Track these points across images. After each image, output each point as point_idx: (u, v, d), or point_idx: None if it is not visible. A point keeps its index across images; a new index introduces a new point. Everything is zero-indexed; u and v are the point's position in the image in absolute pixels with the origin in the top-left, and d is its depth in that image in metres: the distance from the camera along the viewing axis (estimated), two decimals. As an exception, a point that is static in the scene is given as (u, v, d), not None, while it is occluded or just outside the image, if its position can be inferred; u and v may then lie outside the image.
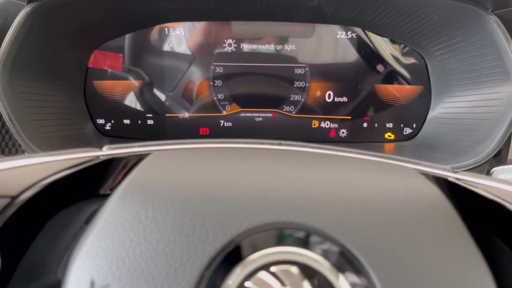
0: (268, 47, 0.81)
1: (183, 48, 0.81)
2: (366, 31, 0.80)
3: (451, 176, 0.36)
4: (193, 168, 0.30)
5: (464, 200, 0.34)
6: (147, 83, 0.82)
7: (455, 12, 0.64)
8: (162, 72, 0.81)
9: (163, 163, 0.31)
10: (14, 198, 0.28)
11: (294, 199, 0.26)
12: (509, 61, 0.60)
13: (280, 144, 0.38)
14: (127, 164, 0.35)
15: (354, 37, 0.80)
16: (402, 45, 0.80)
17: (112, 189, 0.35)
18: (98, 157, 0.35)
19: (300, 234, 0.25)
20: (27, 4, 0.59)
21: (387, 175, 0.32)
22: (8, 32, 0.58)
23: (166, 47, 0.80)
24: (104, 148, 0.36)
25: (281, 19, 0.78)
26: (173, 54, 0.81)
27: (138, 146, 0.37)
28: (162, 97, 0.83)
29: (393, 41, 0.80)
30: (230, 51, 0.81)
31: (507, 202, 0.31)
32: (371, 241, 0.25)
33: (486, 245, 0.32)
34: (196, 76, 0.82)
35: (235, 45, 0.81)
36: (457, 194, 0.34)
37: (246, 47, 0.81)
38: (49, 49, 0.66)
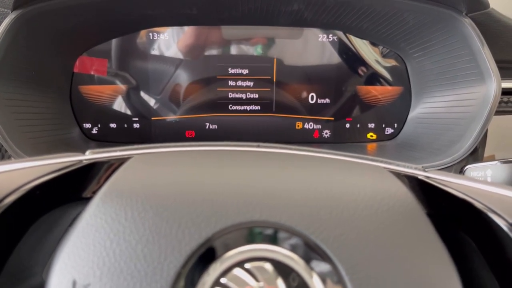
0: (251, 50, 0.82)
1: (169, 51, 0.82)
2: (347, 34, 0.81)
3: (421, 174, 0.37)
4: (171, 171, 0.32)
5: (434, 198, 0.35)
6: (133, 87, 0.82)
7: (431, 15, 0.66)
8: (148, 76, 0.82)
9: (142, 167, 0.32)
10: (-2, 202, 0.28)
11: (266, 199, 0.28)
12: (483, 63, 0.62)
13: (258, 146, 0.40)
14: (109, 168, 0.36)
15: (336, 40, 0.82)
16: (382, 47, 0.82)
17: (95, 192, 0.36)
18: (81, 161, 0.36)
19: (272, 232, 0.26)
20: (12, 12, 0.60)
21: (356, 174, 0.33)
22: (-7, 39, 0.59)
23: (152, 51, 0.81)
24: (87, 152, 0.38)
25: (263, 23, 0.79)
26: (159, 58, 0.82)
27: (120, 150, 0.38)
28: (148, 100, 0.84)
29: (373, 44, 0.82)
30: (216, 54, 0.82)
31: (474, 200, 0.33)
32: (339, 237, 0.26)
33: (455, 241, 0.33)
34: (182, 79, 0.83)
35: (221, 48, 0.82)
36: (428, 192, 0.36)
37: (231, 50, 0.82)
38: (34, 55, 0.67)
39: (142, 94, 0.83)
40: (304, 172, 0.33)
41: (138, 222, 0.26)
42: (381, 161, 0.38)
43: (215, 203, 0.27)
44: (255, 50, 0.82)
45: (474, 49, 0.63)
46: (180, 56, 0.82)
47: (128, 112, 0.83)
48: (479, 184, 0.36)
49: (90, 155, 0.37)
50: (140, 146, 0.38)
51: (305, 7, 0.70)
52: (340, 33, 0.81)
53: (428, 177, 0.37)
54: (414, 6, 0.65)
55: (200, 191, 0.28)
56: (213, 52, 0.82)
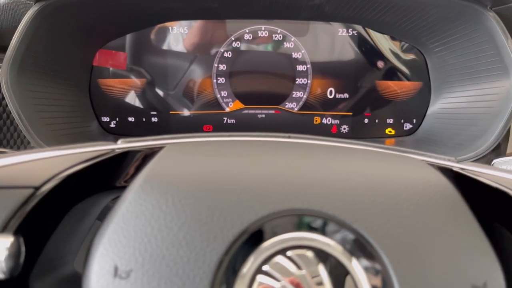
0: (269, 46, 0.82)
1: (185, 46, 0.82)
2: (367, 29, 0.80)
3: (456, 166, 0.37)
4: (209, 159, 0.31)
5: (468, 189, 0.35)
6: (150, 81, 0.83)
7: (454, 9, 0.65)
8: (165, 70, 0.82)
9: (179, 155, 0.32)
10: (37, 188, 0.29)
11: (308, 187, 0.27)
12: (508, 57, 0.61)
13: (289, 137, 0.39)
14: (142, 157, 0.36)
15: (355, 34, 0.81)
16: (402, 42, 0.81)
17: (127, 181, 0.35)
18: (114, 150, 0.36)
19: (315, 221, 0.26)
20: (35, 4, 0.60)
21: (396, 165, 0.33)
22: (16, 31, 0.59)
23: (168, 46, 0.81)
24: (119, 141, 0.37)
25: (283, 18, 0.79)
26: (175, 53, 0.82)
27: (152, 140, 0.38)
28: (165, 95, 0.84)
29: (393, 38, 0.82)
30: (232, 49, 0.82)
31: (510, 190, 0.32)
32: (383, 227, 0.26)
33: (490, 231, 0.33)
34: (198, 74, 0.83)
35: (237, 44, 0.82)
36: (461, 183, 0.36)
37: (248, 45, 0.82)
38: (55, 48, 0.67)
39: (158, 88, 0.83)
40: (341, 162, 0.33)
41: (179, 208, 0.26)
42: (416, 153, 0.38)
43: (257, 190, 0.27)
44: (268, 46, 0.81)
45: (498, 43, 0.62)
46: (193, 52, 0.82)
47: (146, 106, 0.84)
48: (513, 176, 0.35)
49: (122, 144, 0.37)
50: (172, 136, 0.38)
51: (327, 1, 0.70)
52: (360, 28, 0.81)
53: (462, 169, 0.37)
54: (438, 0, 0.65)
55: (241, 178, 0.28)
56: (227, 48, 0.82)
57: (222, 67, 0.82)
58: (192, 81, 0.83)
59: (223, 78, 0.83)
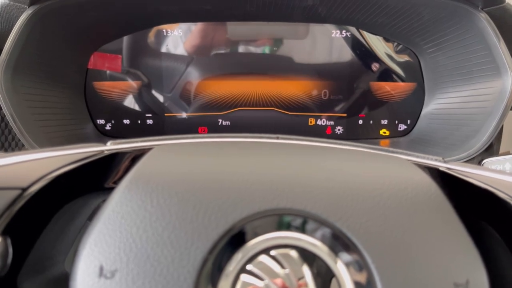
0: (264, 48, 0.82)
1: (180, 49, 0.82)
2: (360, 30, 0.81)
3: (442, 166, 0.37)
4: (195, 160, 0.32)
5: (455, 189, 0.35)
6: (146, 84, 0.83)
7: (446, 10, 0.66)
8: (161, 73, 0.83)
9: (165, 156, 0.33)
10: (24, 190, 0.29)
11: (292, 186, 0.28)
12: (499, 57, 0.62)
13: (277, 138, 0.40)
14: (131, 158, 0.37)
15: (349, 36, 0.82)
16: (396, 43, 0.82)
17: (116, 182, 0.36)
18: (102, 151, 0.36)
19: (298, 220, 0.26)
20: (29, 7, 0.61)
21: (380, 165, 0.33)
22: (11, 34, 0.59)
23: (164, 48, 0.82)
24: (108, 143, 0.38)
25: (277, 19, 0.79)
26: (171, 55, 0.82)
27: (141, 141, 0.38)
28: (161, 97, 0.84)
29: (386, 39, 0.82)
30: (227, 51, 0.82)
31: (496, 190, 0.33)
32: (365, 226, 0.26)
33: (477, 231, 0.33)
34: (194, 76, 0.83)
35: (232, 46, 0.82)
36: (448, 183, 0.36)
37: (242, 48, 0.82)
38: (50, 51, 0.67)
39: (154, 91, 0.84)
40: (326, 162, 0.33)
41: (164, 208, 0.26)
42: (402, 153, 0.38)
43: (241, 189, 0.27)
44: (266, 48, 0.82)
45: (490, 43, 0.63)
46: (190, 54, 0.82)
47: (142, 109, 0.84)
48: (500, 175, 0.35)
49: (111, 146, 0.37)
50: (161, 137, 0.38)
51: (320, 2, 0.70)
52: (353, 29, 0.81)
53: (449, 168, 0.37)
54: (430, 1, 0.65)
55: (226, 178, 0.28)
56: (223, 50, 0.82)
57: (217, 70, 0.83)
58: (189, 83, 0.83)
59: (217, 81, 0.83)
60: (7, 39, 0.60)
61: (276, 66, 0.83)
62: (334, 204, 0.27)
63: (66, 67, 0.74)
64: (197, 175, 0.29)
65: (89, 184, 0.36)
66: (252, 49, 0.82)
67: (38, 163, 0.33)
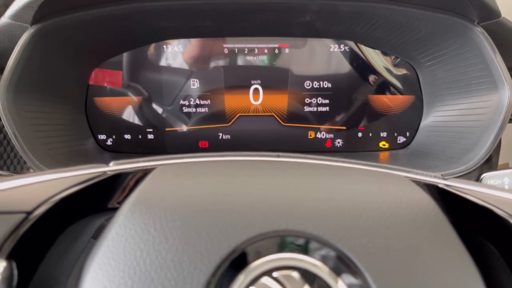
0: (263, 59, 0.83)
1: (180, 62, 0.83)
2: (359, 44, 0.82)
3: (441, 183, 0.38)
4: (197, 181, 0.32)
5: (454, 206, 0.36)
6: (146, 99, 0.84)
7: (442, 24, 0.67)
8: (161, 87, 0.83)
9: (168, 177, 0.33)
10: (29, 213, 0.29)
11: (293, 208, 0.28)
12: (496, 71, 0.62)
13: (278, 156, 0.40)
14: (133, 179, 0.37)
15: (347, 50, 0.82)
16: (394, 57, 0.82)
17: (120, 202, 0.36)
18: (105, 172, 0.36)
19: (300, 241, 0.27)
20: (31, 26, 0.61)
21: (379, 184, 0.34)
22: (13, 53, 0.60)
23: (163, 62, 0.83)
24: (111, 163, 0.38)
25: (275, 35, 0.80)
26: (170, 69, 0.83)
27: (144, 161, 0.38)
28: (161, 111, 0.85)
29: (384, 53, 0.83)
30: (226, 64, 0.83)
31: (495, 207, 0.33)
32: (366, 246, 0.26)
33: (476, 247, 0.33)
34: (193, 89, 0.84)
35: (231, 58, 0.83)
36: (447, 200, 0.36)
37: (241, 59, 0.83)
38: (51, 68, 0.68)
39: (155, 105, 0.84)
40: (327, 181, 0.33)
41: (167, 231, 0.27)
42: (401, 170, 0.39)
43: (243, 212, 0.28)
44: (264, 60, 0.83)
45: (486, 57, 0.63)
46: (189, 67, 0.83)
47: (142, 123, 0.85)
48: (499, 192, 0.36)
49: (114, 166, 0.38)
50: (163, 157, 0.39)
51: (317, 18, 0.71)
52: (352, 43, 0.82)
53: (448, 185, 0.37)
54: (426, 15, 0.66)
55: (227, 200, 0.29)
56: (223, 63, 0.83)
57: (218, 81, 0.83)
58: (188, 96, 0.84)
59: (217, 94, 0.84)
60: (9, 57, 0.60)
61: (275, 77, 0.84)
62: (335, 225, 0.27)
63: (68, 83, 0.74)
64: (199, 197, 0.29)
65: (92, 205, 0.36)
66: (251, 60, 0.83)
67: (42, 186, 0.33)
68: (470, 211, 0.35)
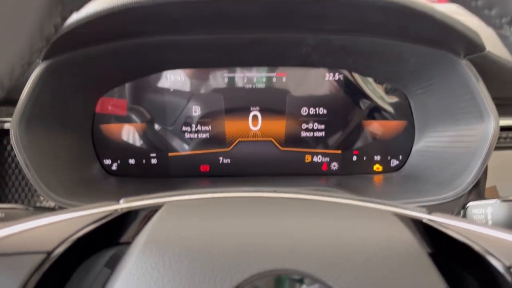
0: (262, 88, 0.86)
1: (181, 90, 0.86)
2: (352, 72, 0.85)
3: (425, 217, 0.41)
4: (200, 221, 0.36)
5: (438, 238, 0.39)
6: (149, 124, 0.87)
7: (430, 57, 0.70)
8: (163, 113, 0.87)
9: (174, 216, 0.36)
10: (49, 253, 0.32)
11: (288, 248, 0.32)
12: (481, 102, 0.66)
13: (275, 191, 0.44)
14: (142, 216, 0.40)
15: (341, 78, 0.86)
16: (386, 84, 0.86)
17: (132, 237, 0.39)
18: (117, 210, 0.40)
19: (294, 278, 0.30)
20: (42, 61, 0.65)
21: (366, 220, 0.37)
22: (25, 87, 0.63)
23: (166, 90, 0.86)
24: (121, 201, 0.41)
25: (274, 65, 0.84)
26: (172, 96, 0.86)
27: (151, 198, 0.42)
28: (164, 137, 0.88)
29: (377, 81, 0.87)
30: (226, 92, 0.86)
31: (473, 243, 0.36)
32: (354, 283, 0.29)
33: (457, 278, 0.37)
34: (195, 116, 0.87)
35: (231, 87, 0.86)
36: (432, 233, 0.40)
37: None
38: (61, 100, 0.71)
39: (158, 131, 0.88)
40: (319, 220, 0.37)
41: (175, 270, 0.30)
42: (388, 205, 0.42)
43: (243, 252, 0.31)
44: (263, 88, 0.86)
45: (472, 89, 0.67)
46: (190, 94, 0.86)
47: (146, 148, 0.88)
48: (479, 227, 0.39)
49: (125, 204, 0.41)
50: (169, 193, 0.42)
51: (313, 50, 0.75)
52: (345, 71, 0.85)
53: (431, 220, 0.41)
54: (415, 49, 0.70)
55: (228, 241, 0.32)
56: (223, 90, 0.86)
57: (219, 108, 0.87)
58: (190, 122, 0.87)
59: (220, 119, 0.87)
60: (21, 92, 0.64)
61: (274, 104, 0.87)
62: (326, 264, 0.31)
63: (76, 113, 0.78)
64: (204, 237, 0.32)
65: (105, 240, 0.39)
66: (250, 88, 0.86)
67: (60, 226, 0.36)
68: (452, 244, 0.38)
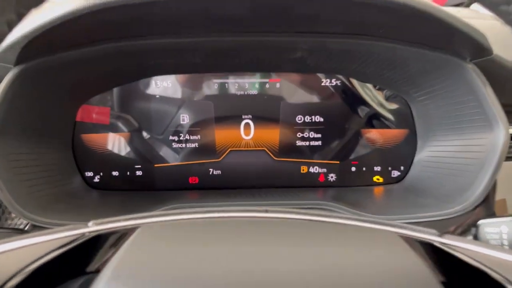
0: (254, 94, 0.82)
1: (169, 97, 0.82)
2: (350, 78, 0.81)
3: (437, 240, 0.36)
4: (177, 248, 0.30)
5: (451, 262, 0.34)
6: (134, 134, 0.82)
7: (433, 62, 0.66)
8: (149, 122, 0.82)
9: (147, 243, 0.31)
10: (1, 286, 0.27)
11: (282, 283, 0.27)
12: (489, 110, 0.61)
13: (266, 211, 0.38)
14: (114, 240, 0.35)
15: (339, 84, 0.81)
16: (386, 90, 0.82)
17: (101, 266, 0.34)
18: (83, 234, 0.35)
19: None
20: (14, 66, 0.60)
21: (372, 244, 0.33)
22: (-4, 95, 0.58)
23: (152, 97, 0.81)
24: (90, 223, 0.36)
25: (265, 70, 0.80)
26: (159, 104, 0.82)
27: (124, 220, 0.37)
28: (150, 146, 0.83)
29: (376, 87, 0.82)
30: (216, 99, 0.82)
31: (490, 269, 0.32)
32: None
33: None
34: (183, 124, 0.82)
35: (221, 94, 0.82)
36: (445, 258, 0.35)
37: (232, 95, 0.82)
38: (37, 108, 0.66)
39: (143, 141, 0.83)
40: (317, 246, 0.32)
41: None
42: (396, 226, 0.37)
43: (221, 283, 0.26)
44: (255, 95, 0.82)
45: (479, 95, 0.62)
46: (179, 102, 0.82)
47: (131, 160, 0.83)
48: (497, 252, 0.34)
49: (93, 227, 0.36)
50: (143, 215, 0.37)
51: (308, 55, 0.70)
52: (343, 77, 0.81)
53: (443, 243, 0.36)
54: (417, 53, 0.65)
55: (208, 274, 0.27)
56: (213, 98, 0.82)
57: (208, 116, 0.82)
58: (178, 132, 0.82)
59: (210, 127, 0.83)
60: (-8, 99, 0.59)
61: (267, 112, 0.83)
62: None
63: (54, 122, 0.73)
64: (180, 270, 0.27)
65: (70, 269, 0.34)
66: (242, 95, 0.81)
67: (14, 255, 0.31)
68: (467, 270, 0.34)
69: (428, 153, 0.79)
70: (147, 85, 0.81)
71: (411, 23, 0.57)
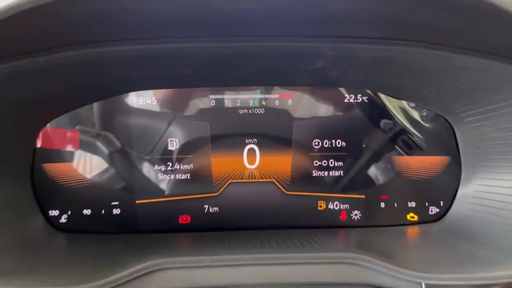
0: (260, 113, 0.69)
1: (153, 117, 0.69)
2: (378, 93, 0.68)
3: None
4: None
5: None
6: (111, 163, 0.68)
7: (496, 74, 0.51)
8: (130, 146, 0.69)
9: None
10: None
11: None
12: None
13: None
14: None
15: (365, 100, 0.69)
16: (424, 109, 0.68)
17: None
18: None
19: None
20: None
21: None
22: None
23: (132, 117, 0.68)
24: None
25: (276, 84, 0.67)
26: (141, 125, 0.69)
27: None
28: (130, 178, 0.69)
29: (412, 104, 0.69)
30: (213, 119, 0.69)
31: None
32: None
33: None
34: (171, 151, 0.69)
35: (219, 113, 0.70)
36: None
37: (232, 115, 0.70)
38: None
39: (121, 170, 0.69)
40: None
41: None
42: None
43: None
44: (261, 115, 0.69)
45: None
46: (166, 123, 0.69)
47: (106, 194, 0.68)
48: None
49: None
50: None
51: (331, 65, 0.56)
52: (370, 92, 0.69)
53: None
54: (475, 63, 0.51)
55: None
56: (209, 118, 0.69)
57: (203, 141, 0.69)
58: (165, 160, 0.69)
59: (205, 154, 0.70)
60: None
61: (275, 135, 0.70)
62: None
63: (7, 148, 0.58)
64: None
65: None
66: (245, 114, 0.69)
67: None
68: None
69: (478, 187, 0.65)
70: (124, 103, 0.68)
71: (483, 26, 0.42)
